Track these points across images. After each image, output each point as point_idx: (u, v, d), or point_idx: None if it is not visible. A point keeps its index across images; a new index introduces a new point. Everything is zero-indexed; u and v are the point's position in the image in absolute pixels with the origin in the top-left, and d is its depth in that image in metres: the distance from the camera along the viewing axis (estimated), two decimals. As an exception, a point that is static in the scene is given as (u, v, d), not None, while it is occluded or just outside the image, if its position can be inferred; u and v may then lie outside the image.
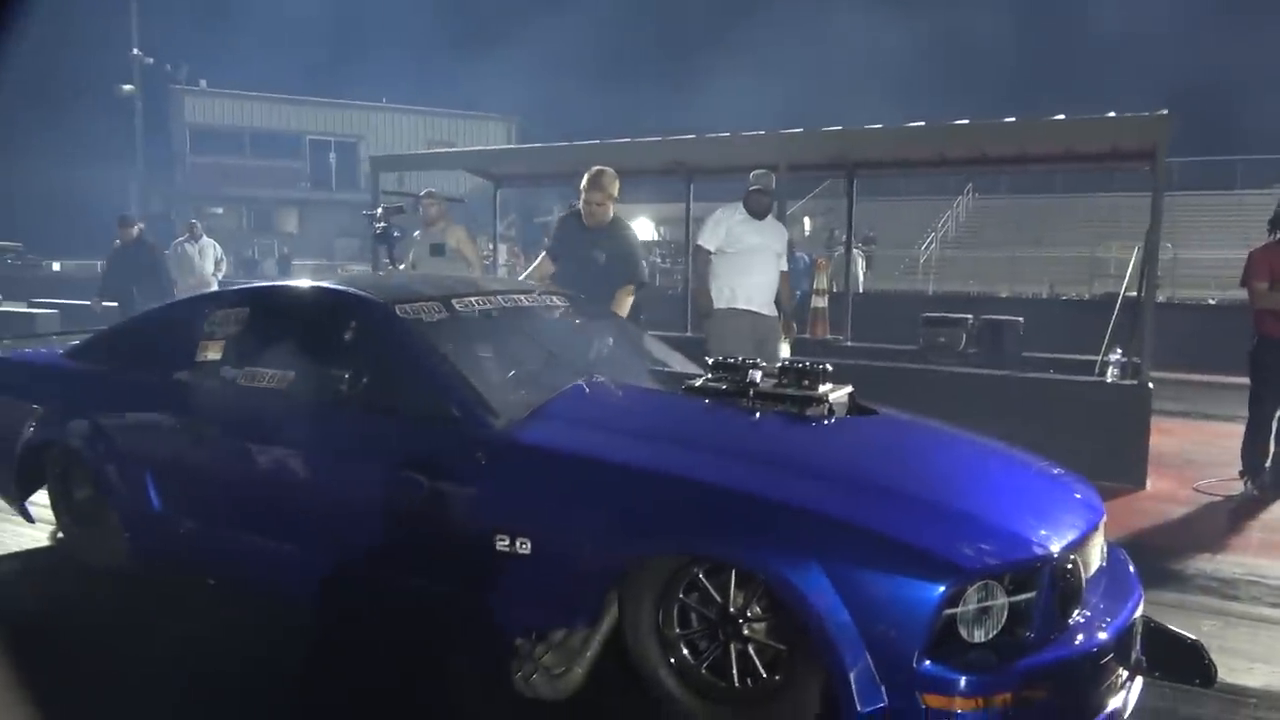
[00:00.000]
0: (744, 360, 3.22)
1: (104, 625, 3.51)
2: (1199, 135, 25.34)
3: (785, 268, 5.88)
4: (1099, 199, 25.30)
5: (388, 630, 3.21)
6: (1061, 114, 6.46)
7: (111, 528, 3.78)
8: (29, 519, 4.21)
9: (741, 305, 5.64)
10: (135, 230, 8.96)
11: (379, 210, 6.72)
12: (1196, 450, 6.62)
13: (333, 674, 3.04)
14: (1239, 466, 5.62)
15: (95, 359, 4.08)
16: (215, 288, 10.68)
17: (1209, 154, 26.28)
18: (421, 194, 7.28)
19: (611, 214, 5.48)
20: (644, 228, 32.90)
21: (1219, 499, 5.46)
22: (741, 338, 5.50)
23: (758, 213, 5.66)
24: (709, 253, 5.70)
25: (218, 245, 11.73)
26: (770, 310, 5.74)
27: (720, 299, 5.69)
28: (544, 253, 5.82)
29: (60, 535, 4.18)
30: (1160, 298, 16.87)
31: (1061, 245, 23.23)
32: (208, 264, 11.31)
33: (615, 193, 5.44)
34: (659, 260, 25.28)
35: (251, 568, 3.40)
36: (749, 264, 5.64)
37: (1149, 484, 5.63)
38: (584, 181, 5.42)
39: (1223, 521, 5.08)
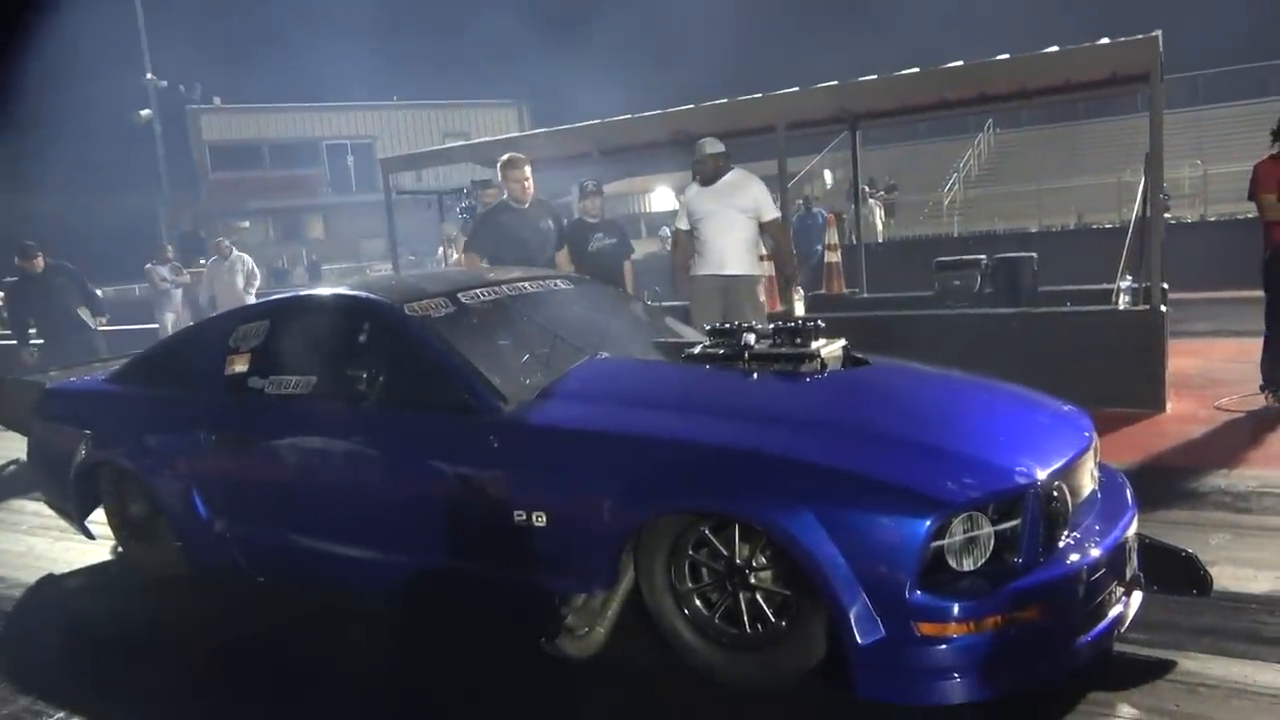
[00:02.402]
0: (739, 324, 3.35)
1: (166, 627, 3.78)
2: (1228, 44, 24.53)
3: (773, 217, 5.81)
4: (1124, 121, 24.39)
5: (424, 608, 3.41)
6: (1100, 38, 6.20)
7: (165, 538, 4.03)
8: (90, 536, 4.50)
9: (706, 271, 5.83)
10: (40, 260, 7.91)
11: (465, 189, 6.88)
12: (1222, 369, 6.60)
13: (373, 649, 3.26)
14: (1261, 381, 5.63)
15: (134, 381, 4.33)
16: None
17: (1238, 63, 25.41)
18: (486, 182, 7.52)
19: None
20: (665, 198, 32.90)
21: (1240, 415, 5.47)
22: (710, 301, 5.72)
23: (707, 179, 5.81)
24: (685, 232, 5.95)
25: (247, 258, 11.86)
26: (743, 269, 5.81)
27: (694, 267, 5.93)
28: (470, 254, 6.00)
29: (120, 549, 4.45)
30: (1192, 217, 16.63)
31: (1089, 173, 22.59)
32: (238, 280, 11.49)
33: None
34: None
35: (294, 562, 3.62)
36: (709, 229, 5.81)
37: (1169, 406, 5.66)
38: (504, 168, 5.90)
39: (1241, 437, 5.10)
